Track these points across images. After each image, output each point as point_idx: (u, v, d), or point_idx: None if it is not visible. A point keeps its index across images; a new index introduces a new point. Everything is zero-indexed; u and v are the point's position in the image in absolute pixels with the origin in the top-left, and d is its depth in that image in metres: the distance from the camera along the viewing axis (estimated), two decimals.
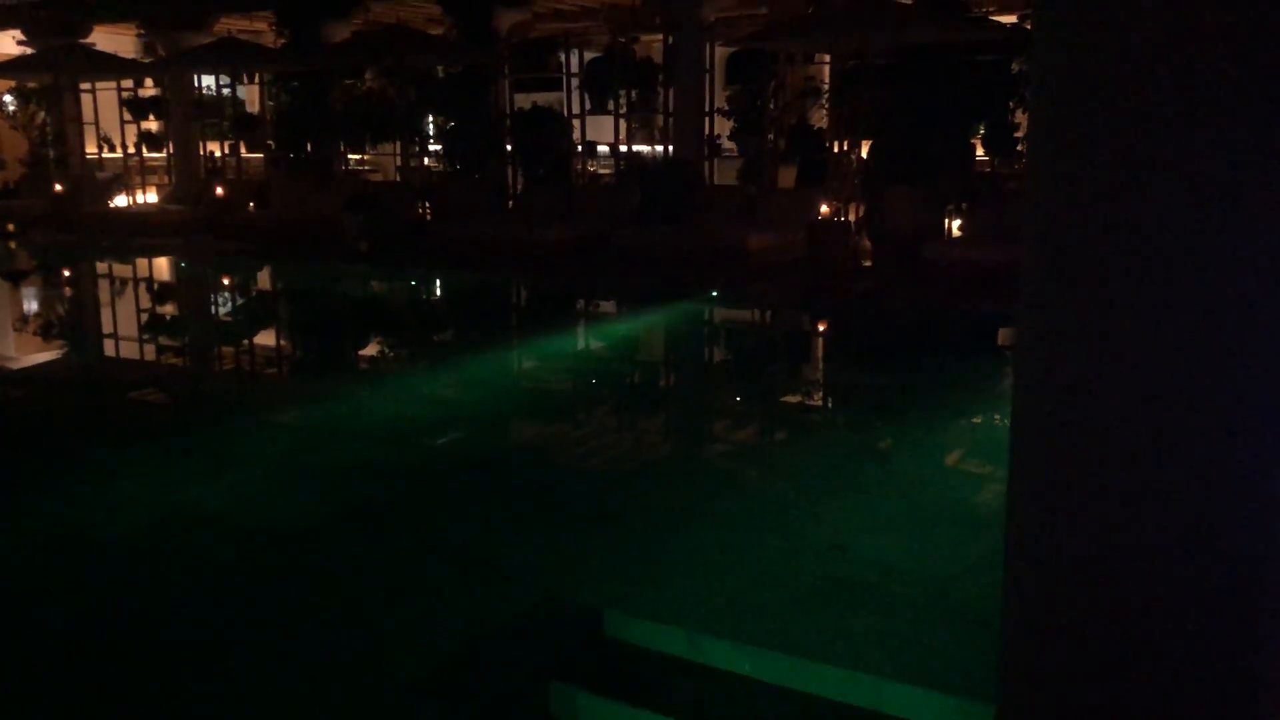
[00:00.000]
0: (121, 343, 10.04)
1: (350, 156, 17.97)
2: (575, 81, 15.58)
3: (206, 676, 3.40)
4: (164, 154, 18.90)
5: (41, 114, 19.41)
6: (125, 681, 3.39)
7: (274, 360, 9.40)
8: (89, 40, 18.96)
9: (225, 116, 18.20)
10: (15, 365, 8.89)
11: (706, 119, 14.37)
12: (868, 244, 12.26)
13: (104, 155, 19.35)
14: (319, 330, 10.89)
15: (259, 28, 18.81)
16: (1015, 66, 11.91)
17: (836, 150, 12.97)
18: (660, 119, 15.07)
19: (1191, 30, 1.71)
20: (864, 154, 12.96)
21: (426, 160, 16.89)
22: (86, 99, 18.75)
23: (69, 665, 3.51)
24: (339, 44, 16.17)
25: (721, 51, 15.82)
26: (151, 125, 19.14)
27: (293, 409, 7.34)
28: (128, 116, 18.58)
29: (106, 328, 10.90)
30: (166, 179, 18.81)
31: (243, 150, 18.23)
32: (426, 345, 9.98)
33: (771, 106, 14.37)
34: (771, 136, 14.39)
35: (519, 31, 16.91)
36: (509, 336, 10.49)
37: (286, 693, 3.29)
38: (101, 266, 14.99)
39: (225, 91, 18.59)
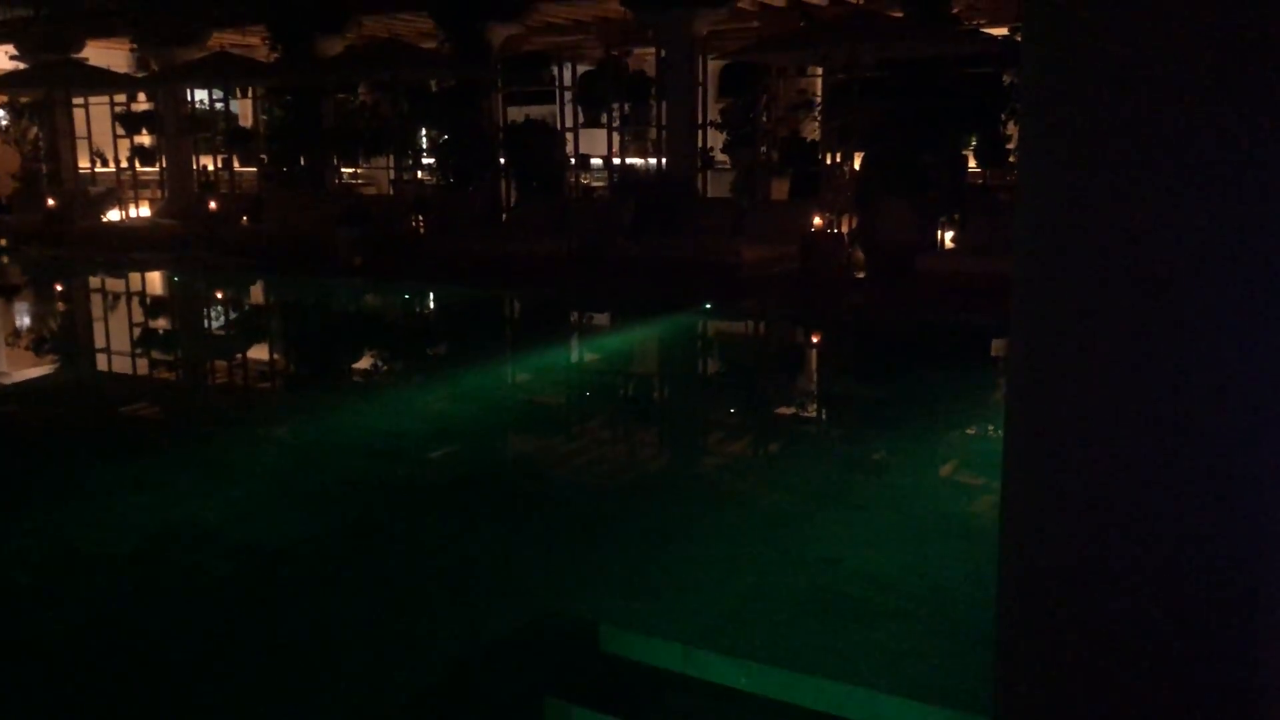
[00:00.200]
0: (114, 358, 10.01)
1: (343, 170, 17.98)
2: (568, 95, 15.61)
3: (200, 692, 3.38)
4: (157, 168, 18.89)
5: (34, 129, 19.39)
6: (120, 696, 3.37)
7: (267, 375, 9.38)
8: (82, 55, 18.96)
9: (218, 131, 18.20)
10: (7, 380, 8.86)
11: (699, 132, 14.42)
12: (861, 256, 12.28)
13: (97, 170, 19.34)
14: (313, 345, 10.87)
15: (252, 42, 18.81)
16: (1006, 79, 11.96)
17: (829, 163, 13.01)
18: (653, 132, 15.10)
19: (1179, 39, 1.72)
20: (857, 166, 12.99)
21: (420, 174, 16.91)
22: (79, 113, 18.75)
23: (63, 679, 3.48)
24: (332, 58, 16.20)
25: (714, 65, 15.87)
26: (144, 140, 19.14)
27: (286, 424, 7.32)
28: (120, 131, 18.59)
29: (99, 343, 10.87)
30: (159, 194, 18.79)
31: (236, 165, 18.22)
32: (421, 359, 9.97)
33: (764, 119, 14.43)
34: (764, 149, 14.44)
35: (512, 45, 16.95)
36: (503, 350, 10.48)
37: (280, 710, 3.27)
38: (94, 282, 14.96)
39: (218, 106, 18.59)
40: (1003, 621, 2.09)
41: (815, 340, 10.61)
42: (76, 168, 19.28)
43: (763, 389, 8.56)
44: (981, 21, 14.13)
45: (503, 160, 15.58)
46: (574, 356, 9.90)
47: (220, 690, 3.41)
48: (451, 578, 4.23)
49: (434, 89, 16.46)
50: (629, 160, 16.10)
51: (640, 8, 14.29)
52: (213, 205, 16.56)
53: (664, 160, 14.60)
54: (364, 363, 9.83)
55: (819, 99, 14.23)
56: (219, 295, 13.95)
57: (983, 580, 3.69)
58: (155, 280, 15.04)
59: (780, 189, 14.39)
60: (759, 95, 14.42)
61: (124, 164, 18.70)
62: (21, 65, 19.03)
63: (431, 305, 13.12)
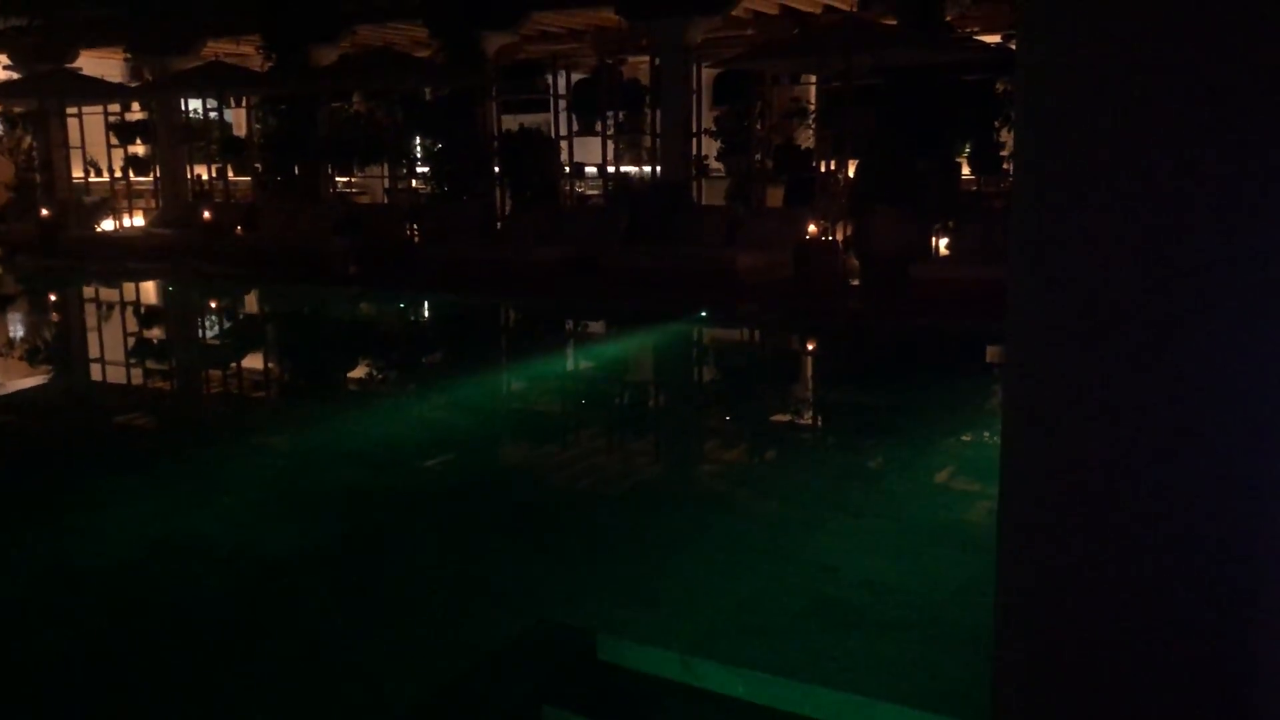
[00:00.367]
0: (108, 367, 9.99)
1: (338, 179, 17.98)
2: (563, 103, 15.63)
3: (197, 704, 3.37)
4: (151, 178, 18.87)
5: (28, 139, 19.36)
6: (115, 711, 3.35)
7: (262, 384, 9.37)
8: (75, 65, 18.95)
9: (213, 140, 18.20)
10: (2, 391, 8.84)
11: (694, 139, 14.43)
12: (855, 263, 12.30)
13: (91, 180, 19.31)
14: (308, 354, 10.86)
15: (246, 51, 18.83)
16: (999, 86, 12.00)
17: (823, 170, 13.03)
18: (648, 140, 15.13)
19: (1177, 44, 1.72)
20: (851, 174, 13.02)
21: (414, 182, 16.90)
22: (73, 123, 18.73)
23: (58, 692, 3.47)
24: (326, 67, 16.21)
25: (708, 73, 15.90)
26: (139, 149, 19.12)
27: (282, 433, 7.31)
28: (115, 141, 18.56)
29: (93, 353, 10.85)
30: (154, 203, 18.77)
31: (230, 174, 18.21)
32: (416, 368, 9.96)
33: (758, 127, 14.45)
34: (759, 157, 14.46)
35: (506, 54, 16.97)
36: (499, 359, 10.48)
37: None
38: (89, 291, 14.94)
39: (212, 115, 18.59)
40: (1000, 627, 2.09)
41: (810, 347, 10.62)
42: (70, 178, 19.24)
43: (757, 396, 8.57)
44: (974, 29, 14.19)
45: (497, 169, 15.59)
46: (569, 365, 9.90)
47: (215, 701, 3.40)
48: (447, 587, 4.22)
49: (428, 97, 16.46)
50: (624, 168, 16.12)
51: (634, 15, 14.32)
52: (207, 215, 16.55)
53: (659, 168, 14.61)
54: (359, 372, 9.82)
55: (813, 106, 14.26)
56: (213, 305, 13.94)
57: (979, 587, 3.69)
58: (149, 290, 15.02)
59: (775, 196, 14.42)
60: (753, 103, 14.45)
61: (118, 174, 18.69)
62: (15, 75, 19.01)
63: (427, 314, 13.12)
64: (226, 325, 12.90)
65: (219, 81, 16.71)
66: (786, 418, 7.86)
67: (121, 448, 6.91)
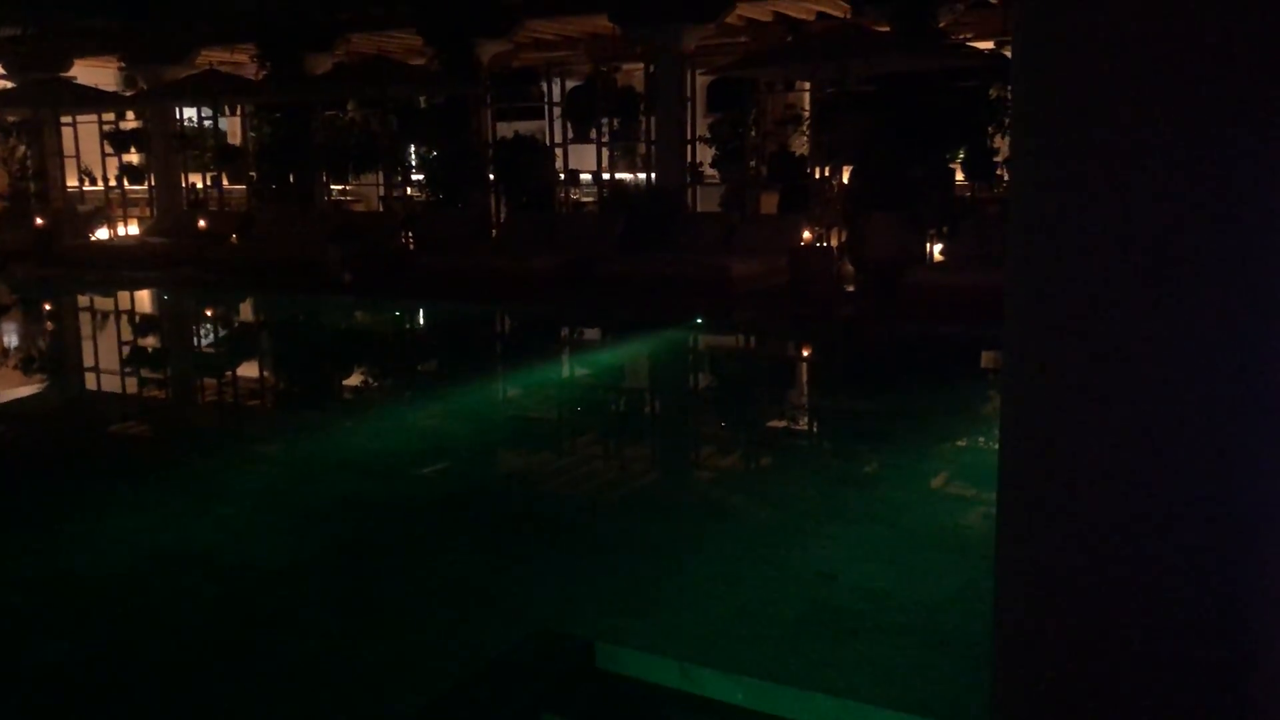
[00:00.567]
0: (103, 376, 9.97)
1: (333, 187, 17.97)
2: (557, 110, 15.65)
3: (194, 714, 3.36)
4: (146, 187, 18.85)
5: (22, 148, 19.33)
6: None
7: (257, 393, 9.36)
8: (70, 74, 18.93)
9: (207, 149, 18.18)
10: None
11: (688, 146, 14.46)
12: (850, 269, 12.32)
13: (85, 188, 19.29)
14: (304, 362, 10.85)
15: (240, 60, 18.82)
16: (993, 92, 12.03)
17: (818, 176, 13.05)
18: (642, 147, 15.15)
19: (1173, 48, 1.73)
20: (845, 180, 13.05)
21: (409, 190, 16.90)
22: (67, 132, 18.71)
23: (51, 703, 3.46)
24: (321, 76, 16.20)
25: (702, 80, 15.93)
26: (133, 158, 19.10)
27: (278, 442, 7.29)
28: (109, 149, 18.54)
29: (88, 361, 10.83)
30: (148, 212, 18.75)
31: (225, 182, 18.20)
32: (412, 376, 9.95)
33: (753, 134, 14.48)
34: (753, 163, 14.49)
35: (500, 61, 16.99)
36: (495, 366, 10.48)
37: None
38: (83, 300, 14.91)
39: (207, 124, 18.59)
40: (999, 632, 2.09)
41: (806, 353, 10.63)
42: (65, 186, 19.22)
43: (752, 403, 8.57)
44: (968, 35, 14.23)
45: (492, 176, 15.60)
46: (564, 372, 9.89)
47: (212, 712, 3.39)
48: (443, 595, 4.22)
49: (423, 105, 16.48)
50: (618, 175, 16.13)
51: (628, 23, 14.35)
52: (202, 223, 16.54)
53: (653, 175, 14.63)
54: (354, 379, 9.81)
55: (807, 113, 14.29)
56: (208, 313, 13.92)
57: (977, 593, 3.70)
58: (144, 299, 15.00)
59: (769, 203, 14.44)
60: (748, 110, 14.48)
61: (112, 182, 18.67)
62: (9, 84, 18.98)
63: (421, 321, 13.11)
64: (221, 334, 12.88)
65: (213, 90, 16.70)
66: (782, 424, 7.87)
67: (116, 456, 6.89)
